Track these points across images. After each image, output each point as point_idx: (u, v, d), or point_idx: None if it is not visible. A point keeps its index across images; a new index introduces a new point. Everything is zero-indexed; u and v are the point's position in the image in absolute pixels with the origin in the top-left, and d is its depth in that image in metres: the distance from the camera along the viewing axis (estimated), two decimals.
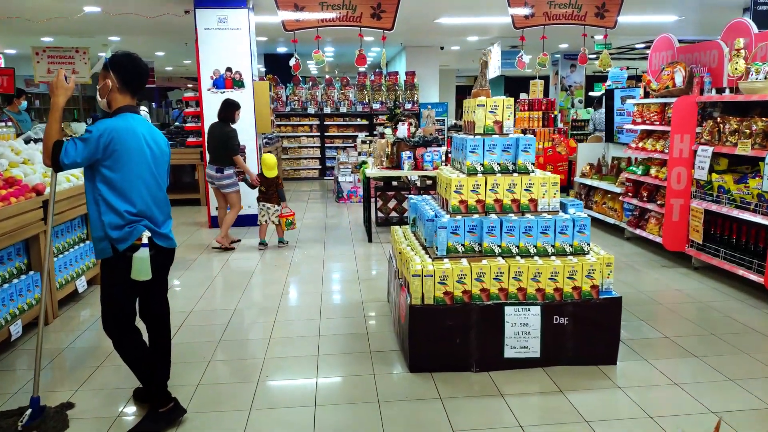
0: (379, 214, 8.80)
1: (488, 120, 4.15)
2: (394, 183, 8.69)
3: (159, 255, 3.31)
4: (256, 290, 5.76)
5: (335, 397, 3.64)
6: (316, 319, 4.91)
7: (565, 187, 11.61)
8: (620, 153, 8.36)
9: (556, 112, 11.88)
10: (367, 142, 11.05)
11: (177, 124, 12.53)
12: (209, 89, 8.38)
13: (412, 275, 3.78)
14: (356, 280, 5.94)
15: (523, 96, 12.27)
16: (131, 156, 3.15)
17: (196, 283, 5.96)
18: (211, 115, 8.37)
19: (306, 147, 14.33)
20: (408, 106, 13.86)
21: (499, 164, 4.10)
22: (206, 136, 7.49)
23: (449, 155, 8.09)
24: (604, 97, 9.26)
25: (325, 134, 14.37)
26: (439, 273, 3.78)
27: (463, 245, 3.98)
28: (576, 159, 9.29)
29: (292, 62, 7.56)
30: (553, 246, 4.00)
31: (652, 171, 6.96)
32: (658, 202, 6.71)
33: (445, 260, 3.91)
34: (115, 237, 3.13)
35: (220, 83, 8.38)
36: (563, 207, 4.20)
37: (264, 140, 11.02)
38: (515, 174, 4.09)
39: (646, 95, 7.34)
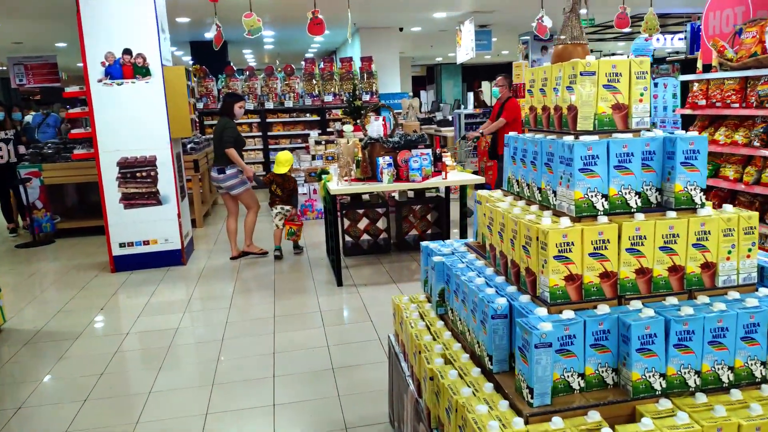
0: (347, 238, 6.60)
1: (603, 103, 2.02)
2: (365, 196, 6.51)
3: None
4: (161, 406, 3.47)
5: None
6: None
7: None
8: None
9: None
10: (323, 142, 8.81)
11: (48, 132, 9.79)
12: (100, 80, 5.96)
13: None
14: (329, 372, 3.72)
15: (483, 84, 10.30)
16: None
17: (68, 389, 3.63)
18: (104, 115, 6.01)
19: (245, 150, 11.92)
20: (366, 97, 11.65)
21: (638, 194, 1.98)
22: None
23: (441, 159, 5.97)
24: None
25: (268, 134, 12.00)
26: None
27: (582, 377, 1.83)
28: None
29: (212, 33, 5.26)
30: (764, 365, 1.90)
31: (728, 171, 5.01)
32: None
33: (555, 421, 1.74)
34: None
35: (115, 71, 5.98)
36: (762, 274, 2.11)
37: (189, 146, 8.62)
38: (671, 212, 1.97)
39: (706, 69, 5.38)
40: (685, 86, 5.77)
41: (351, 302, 4.97)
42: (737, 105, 4.91)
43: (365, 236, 6.73)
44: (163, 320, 4.76)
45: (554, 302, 1.88)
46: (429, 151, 5.55)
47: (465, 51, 10.86)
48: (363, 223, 6.66)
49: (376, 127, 5.69)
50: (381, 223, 6.76)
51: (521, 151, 2.31)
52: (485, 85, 21.46)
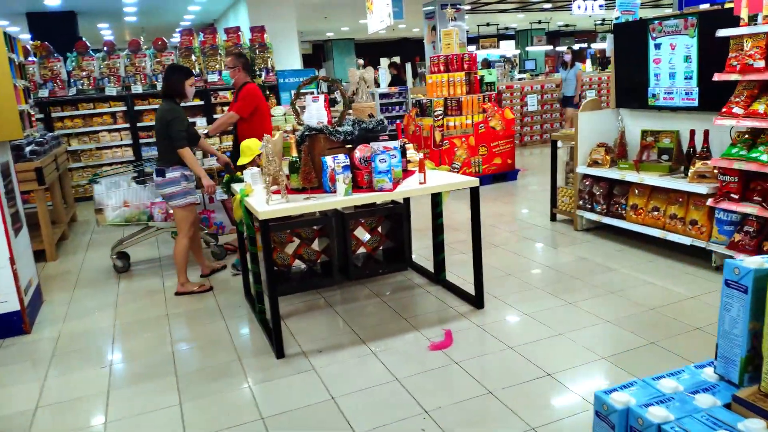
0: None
1: None
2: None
3: None
4: None
5: None
6: None
7: (510, 174, 8.33)
8: (657, 124, 5.13)
9: (480, 73, 8.44)
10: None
11: None
12: None
13: None
14: None
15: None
16: None
17: None
18: None
19: (108, 147, 9.47)
20: (262, 76, 9.61)
21: None
22: None
23: (406, 154, 4.23)
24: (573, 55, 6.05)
25: (139, 125, 9.61)
26: None
27: None
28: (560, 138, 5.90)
29: None
30: None
31: None
32: None
33: None
34: None
35: None
36: None
37: (28, 148, 6.21)
38: None
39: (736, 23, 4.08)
40: (709, 46, 4.45)
41: (309, 393, 3.12)
42: None
43: (296, 263, 4.88)
44: None
45: None
46: (397, 143, 3.81)
47: (379, 18, 9.13)
48: (292, 246, 4.81)
49: (315, 110, 3.84)
50: (316, 245, 4.95)
51: None
52: (383, 62, 19.84)
